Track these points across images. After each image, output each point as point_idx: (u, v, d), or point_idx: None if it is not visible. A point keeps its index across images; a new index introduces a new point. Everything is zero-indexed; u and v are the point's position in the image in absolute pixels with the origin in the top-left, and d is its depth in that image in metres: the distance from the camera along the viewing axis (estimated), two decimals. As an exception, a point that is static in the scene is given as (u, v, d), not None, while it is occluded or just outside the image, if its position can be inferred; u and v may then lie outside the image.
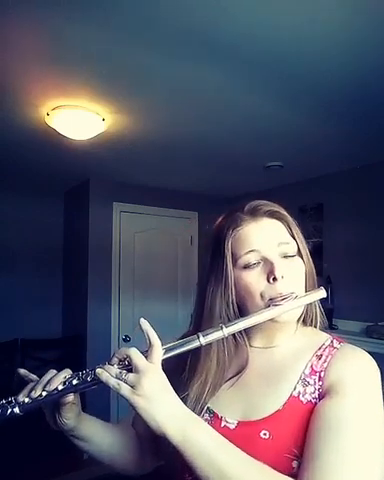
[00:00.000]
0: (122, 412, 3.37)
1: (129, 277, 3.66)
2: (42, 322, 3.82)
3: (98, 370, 0.62)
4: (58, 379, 0.66)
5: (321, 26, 1.43)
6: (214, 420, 0.72)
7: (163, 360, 0.63)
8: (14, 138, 2.55)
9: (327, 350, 0.72)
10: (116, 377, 0.60)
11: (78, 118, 2.16)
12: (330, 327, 2.81)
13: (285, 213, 0.76)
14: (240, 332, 0.75)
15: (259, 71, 1.75)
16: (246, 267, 0.71)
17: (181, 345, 0.65)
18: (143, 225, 3.78)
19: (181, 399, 0.62)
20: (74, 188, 3.88)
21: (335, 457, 0.58)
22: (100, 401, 2.91)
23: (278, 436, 0.66)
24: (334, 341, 0.74)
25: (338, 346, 0.72)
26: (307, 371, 0.70)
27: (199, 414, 0.69)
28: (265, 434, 0.66)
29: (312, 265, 0.77)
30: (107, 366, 0.63)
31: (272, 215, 0.75)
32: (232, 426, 0.70)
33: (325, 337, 0.75)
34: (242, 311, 0.73)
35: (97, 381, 0.63)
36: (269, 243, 0.72)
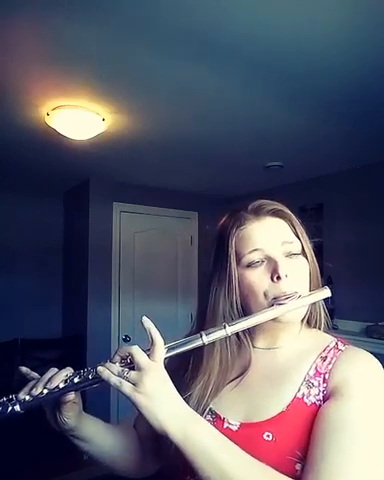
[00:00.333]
0: (122, 413, 3.37)
1: (129, 277, 3.66)
2: (42, 322, 3.82)
3: (99, 368, 0.62)
4: (59, 377, 0.65)
5: (321, 26, 1.43)
6: (216, 421, 0.71)
7: (165, 359, 0.63)
8: (14, 138, 2.55)
9: (332, 352, 0.71)
10: (118, 375, 0.60)
11: (78, 118, 2.16)
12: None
13: (289, 212, 0.76)
14: (243, 332, 0.75)
15: (259, 71, 1.75)
16: (250, 266, 0.71)
17: (184, 344, 0.65)
18: (143, 225, 3.77)
19: (183, 399, 0.62)
20: (74, 188, 3.87)
21: (340, 459, 0.57)
22: (100, 402, 2.91)
23: (281, 438, 0.65)
24: (339, 343, 0.73)
25: (343, 348, 0.71)
26: (311, 373, 0.69)
27: (201, 415, 0.68)
28: (268, 436, 0.66)
29: (316, 265, 0.76)
30: (109, 364, 0.62)
31: (276, 214, 0.74)
32: (234, 427, 0.70)
33: (330, 339, 0.75)
34: (246, 311, 0.73)
35: (98, 379, 0.62)
36: (273, 242, 0.71)
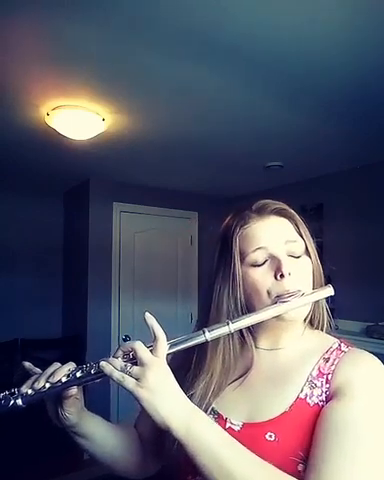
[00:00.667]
0: (122, 412, 3.36)
1: (129, 277, 3.66)
2: (42, 322, 3.82)
3: (102, 363, 0.62)
4: (62, 371, 0.65)
5: (321, 26, 1.43)
6: (219, 421, 0.71)
7: (168, 355, 0.63)
8: (14, 138, 2.55)
9: (335, 353, 0.71)
10: (121, 370, 0.60)
11: (78, 118, 2.16)
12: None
13: (292, 211, 0.76)
14: (247, 332, 0.75)
15: (259, 71, 1.75)
16: (253, 264, 0.71)
17: (186, 340, 0.65)
18: (143, 225, 3.77)
19: None
20: (74, 188, 3.87)
21: (343, 460, 0.57)
22: (100, 401, 2.91)
23: (284, 438, 0.65)
24: (342, 345, 0.73)
25: (346, 349, 0.72)
26: (314, 373, 0.69)
27: None
28: (270, 436, 0.66)
29: (319, 264, 0.76)
30: (111, 359, 0.62)
31: (279, 213, 0.75)
32: (237, 427, 0.70)
33: (332, 340, 0.75)
34: (249, 309, 0.73)
35: (101, 374, 0.62)
36: (276, 241, 0.72)
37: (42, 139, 2.52)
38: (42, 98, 2.00)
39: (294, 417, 0.66)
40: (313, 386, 0.68)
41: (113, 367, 0.61)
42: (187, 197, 3.97)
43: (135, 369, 0.60)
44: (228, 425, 0.71)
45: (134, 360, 0.61)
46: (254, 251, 0.71)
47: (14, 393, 0.64)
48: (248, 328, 0.74)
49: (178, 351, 0.65)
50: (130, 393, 0.59)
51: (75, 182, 3.71)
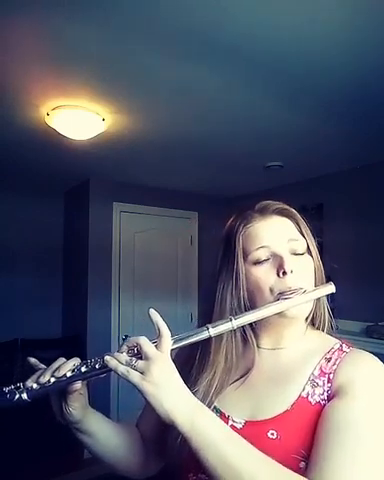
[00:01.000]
0: (122, 412, 3.36)
1: (129, 277, 3.66)
2: (42, 322, 3.82)
3: (107, 357, 0.62)
4: (67, 366, 0.66)
5: (321, 26, 1.43)
6: (221, 419, 0.71)
7: (172, 351, 0.64)
8: (14, 138, 2.55)
9: (336, 353, 0.72)
10: (126, 364, 0.61)
11: (78, 118, 2.16)
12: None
13: (294, 211, 0.78)
14: (249, 330, 0.76)
15: (259, 71, 1.75)
16: (256, 263, 0.73)
17: (190, 336, 0.66)
18: (143, 225, 3.78)
19: None
20: (74, 188, 3.88)
21: (344, 459, 0.57)
22: (100, 399, 2.91)
23: (286, 436, 0.66)
24: (343, 345, 0.74)
25: (347, 350, 0.72)
26: (316, 373, 0.70)
27: None
28: (273, 434, 0.66)
29: (321, 263, 0.78)
30: (116, 353, 0.63)
31: (281, 213, 0.77)
32: (239, 426, 0.70)
33: (334, 341, 0.76)
34: (252, 307, 0.74)
35: (106, 369, 0.63)
36: (279, 239, 0.73)
37: (42, 139, 2.53)
38: (42, 98, 2.00)
39: (296, 415, 0.67)
40: (315, 385, 0.69)
41: (118, 361, 0.61)
42: (187, 197, 3.97)
43: (140, 363, 0.60)
44: (230, 423, 0.71)
45: (139, 355, 0.62)
46: (257, 249, 0.73)
47: (19, 387, 0.65)
48: (250, 326, 0.75)
49: (182, 347, 0.66)
50: (135, 387, 0.59)
51: (75, 182, 3.71)
